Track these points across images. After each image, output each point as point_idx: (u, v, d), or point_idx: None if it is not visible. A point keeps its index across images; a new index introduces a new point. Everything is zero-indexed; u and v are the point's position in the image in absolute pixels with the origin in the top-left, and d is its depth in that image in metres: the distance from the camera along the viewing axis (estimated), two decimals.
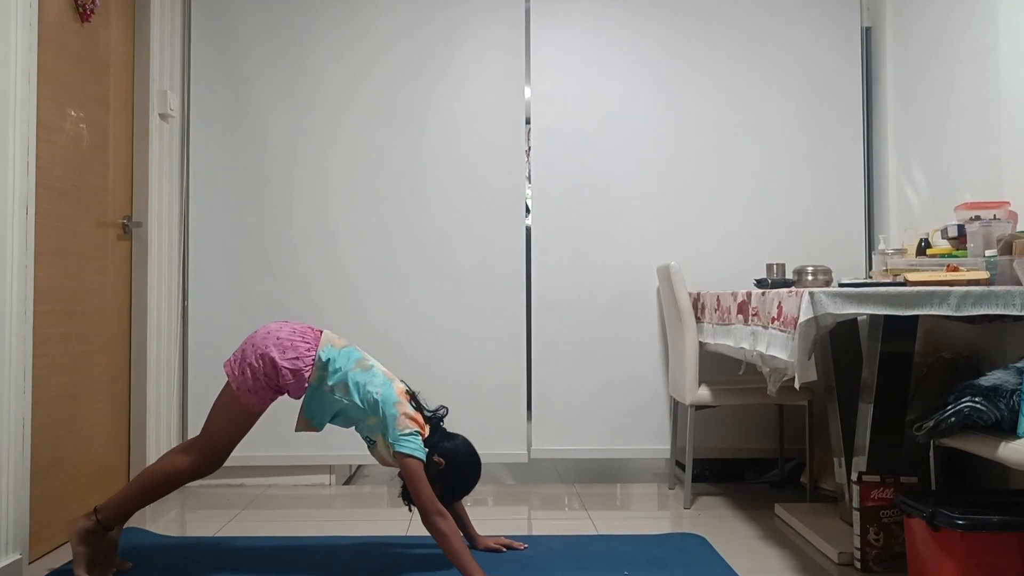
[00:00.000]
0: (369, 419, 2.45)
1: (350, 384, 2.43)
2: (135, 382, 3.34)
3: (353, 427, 2.52)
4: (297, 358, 2.42)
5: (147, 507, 3.27)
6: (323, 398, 2.46)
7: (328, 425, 2.50)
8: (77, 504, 2.91)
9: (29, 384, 2.51)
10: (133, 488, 2.44)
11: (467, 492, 2.57)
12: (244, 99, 3.77)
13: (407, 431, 2.39)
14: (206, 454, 2.46)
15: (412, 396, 2.52)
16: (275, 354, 2.41)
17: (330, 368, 2.44)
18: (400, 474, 2.43)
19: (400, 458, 2.38)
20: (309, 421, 2.52)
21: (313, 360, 2.43)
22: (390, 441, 2.40)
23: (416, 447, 2.38)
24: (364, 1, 3.80)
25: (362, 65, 3.79)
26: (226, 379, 2.46)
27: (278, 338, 2.44)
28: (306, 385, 2.44)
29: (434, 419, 2.52)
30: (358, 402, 2.43)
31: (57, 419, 2.78)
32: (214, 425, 2.47)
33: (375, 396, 2.42)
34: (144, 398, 3.34)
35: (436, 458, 2.44)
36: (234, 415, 2.45)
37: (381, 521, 3.14)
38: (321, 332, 2.52)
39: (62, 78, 2.83)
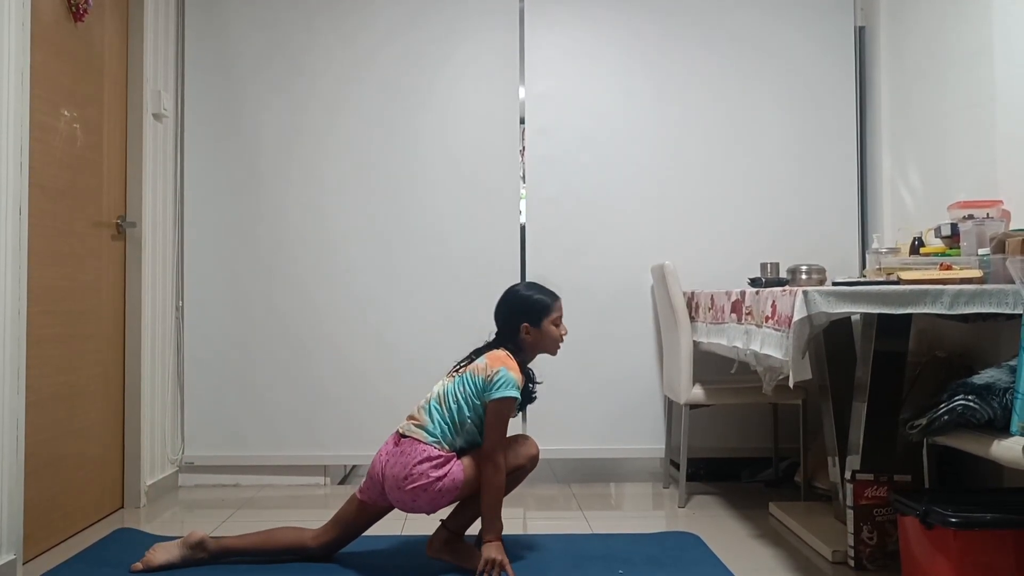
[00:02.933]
0: (469, 420, 2.50)
1: (446, 415, 2.50)
2: (130, 382, 3.33)
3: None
4: (428, 463, 2.45)
5: (141, 509, 3.29)
6: (467, 440, 2.53)
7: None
8: (72, 504, 2.90)
9: (23, 384, 2.50)
10: (254, 538, 2.56)
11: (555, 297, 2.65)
12: (238, 99, 3.77)
13: (495, 377, 2.46)
14: (332, 543, 2.57)
15: (457, 367, 2.62)
16: (421, 482, 2.43)
17: (436, 430, 2.49)
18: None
19: (491, 405, 2.46)
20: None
21: (434, 446, 2.47)
22: (487, 400, 2.46)
23: (506, 385, 2.45)
24: (359, 1, 3.80)
25: (357, 65, 3.79)
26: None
27: (405, 478, 2.45)
28: (455, 454, 2.49)
29: (485, 348, 2.63)
30: (457, 419, 2.50)
31: (51, 419, 2.78)
32: (352, 522, 2.58)
33: (451, 405, 2.51)
34: (139, 398, 3.33)
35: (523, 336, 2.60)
36: (374, 514, 2.59)
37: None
38: (398, 433, 2.55)
39: (56, 78, 2.82)
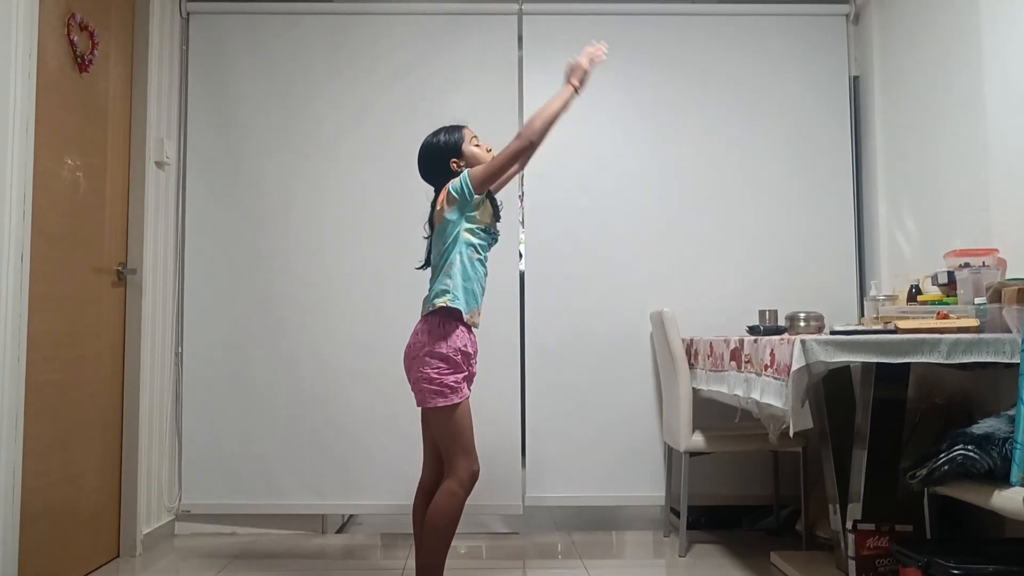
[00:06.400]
0: (456, 254, 2.52)
1: (439, 273, 2.54)
2: (127, 429, 3.32)
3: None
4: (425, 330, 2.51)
5: (137, 558, 3.25)
6: (466, 281, 2.56)
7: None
8: (68, 551, 2.87)
9: (21, 431, 2.50)
10: (431, 539, 2.43)
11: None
12: (239, 147, 3.80)
13: (452, 184, 2.50)
14: (461, 465, 2.51)
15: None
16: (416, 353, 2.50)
17: (437, 287, 2.52)
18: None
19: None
20: None
21: (430, 312, 2.51)
22: (464, 181, 2.48)
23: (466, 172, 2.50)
24: (359, 50, 3.86)
25: (357, 113, 3.83)
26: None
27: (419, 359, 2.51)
28: (462, 311, 2.53)
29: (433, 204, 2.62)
30: (449, 259, 2.52)
31: (48, 466, 2.76)
32: (450, 441, 2.52)
33: (437, 262, 2.56)
34: (136, 445, 3.31)
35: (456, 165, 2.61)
36: (454, 418, 2.53)
37: (374, 571, 3.10)
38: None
39: (60, 126, 2.86)
